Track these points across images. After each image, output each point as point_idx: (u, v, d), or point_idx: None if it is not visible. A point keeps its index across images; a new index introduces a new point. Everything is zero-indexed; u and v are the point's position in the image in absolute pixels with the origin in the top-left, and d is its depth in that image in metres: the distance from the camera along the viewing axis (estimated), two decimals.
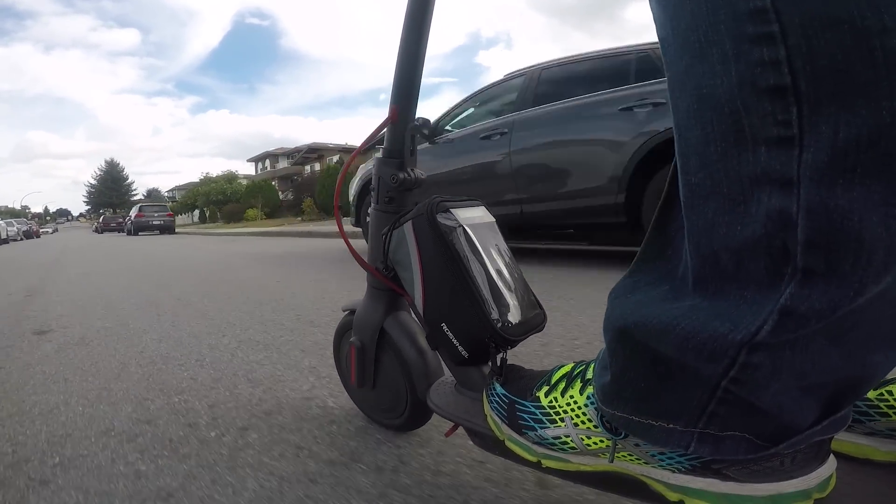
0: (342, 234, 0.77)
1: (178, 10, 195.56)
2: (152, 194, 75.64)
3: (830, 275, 0.31)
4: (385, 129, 0.78)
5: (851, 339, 0.35)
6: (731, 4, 0.30)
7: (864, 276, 0.31)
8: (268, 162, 44.78)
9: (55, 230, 48.13)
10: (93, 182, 74.79)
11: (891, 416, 0.51)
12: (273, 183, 33.81)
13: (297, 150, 40.10)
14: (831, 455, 0.42)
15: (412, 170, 0.78)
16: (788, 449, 0.39)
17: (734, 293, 0.35)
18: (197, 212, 39.53)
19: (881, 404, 0.51)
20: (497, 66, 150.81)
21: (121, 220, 32.00)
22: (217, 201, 33.14)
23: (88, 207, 79.81)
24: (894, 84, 0.27)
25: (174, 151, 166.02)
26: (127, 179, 74.35)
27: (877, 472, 0.51)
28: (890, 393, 0.51)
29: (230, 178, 37.73)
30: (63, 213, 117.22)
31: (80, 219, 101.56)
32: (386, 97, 0.76)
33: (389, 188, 0.77)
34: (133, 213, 22.41)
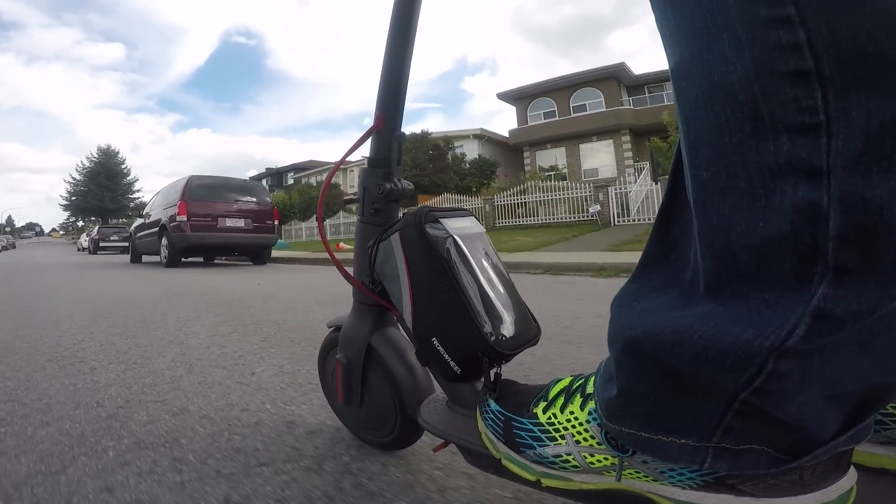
0: (326, 248, 0.74)
1: (166, 27, 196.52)
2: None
3: (868, 272, 0.29)
4: (370, 138, 0.75)
5: (883, 344, 0.33)
6: None
7: None
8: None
9: (8, 245, 31.99)
10: (77, 177, 48.75)
11: None
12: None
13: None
14: (852, 466, 0.39)
15: (399, 179, 0.75)
16: (810, 462, 0.36)
17: (755, 296, 0.33)
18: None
19: None
20: (482, 93, 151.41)
21: (248, 211, 7.42)
22: None
23: (68, 214, 53.98)
24: None
25: (152, 170, 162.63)
26: (129, 175, 49.92)
27: (894, 482, 0.48)
28: None
29: None
30: (32, 227, 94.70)
31: (52, 234, 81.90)
32: (370, 121, 0.74)
33: (375, 199, 0.75)
34: None
